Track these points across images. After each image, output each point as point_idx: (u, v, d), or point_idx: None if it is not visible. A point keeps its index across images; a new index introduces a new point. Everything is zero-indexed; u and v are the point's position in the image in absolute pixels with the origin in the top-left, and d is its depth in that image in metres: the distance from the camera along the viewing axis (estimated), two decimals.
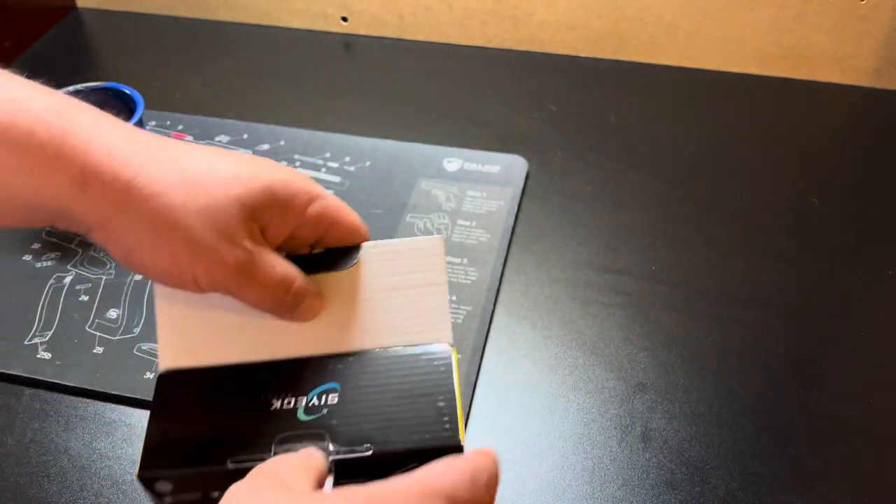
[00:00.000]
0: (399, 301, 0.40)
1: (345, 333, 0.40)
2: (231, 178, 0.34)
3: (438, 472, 0.29)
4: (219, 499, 0.35)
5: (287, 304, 0.37)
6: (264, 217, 0.35)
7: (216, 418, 0.37)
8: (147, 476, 0.35)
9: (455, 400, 0.36)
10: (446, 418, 0.35)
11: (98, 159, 0.32)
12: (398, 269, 0.40)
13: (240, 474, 0.32)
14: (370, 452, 0.35)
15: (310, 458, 0.33)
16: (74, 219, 0.34)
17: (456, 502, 0.28)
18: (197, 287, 0.35)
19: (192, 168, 0.34)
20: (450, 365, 0.38)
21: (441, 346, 0.38)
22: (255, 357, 0.39)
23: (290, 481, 0.30)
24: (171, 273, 0.35)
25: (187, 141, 0.70)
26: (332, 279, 0.40)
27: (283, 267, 0.36)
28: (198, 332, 0.39)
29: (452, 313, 0.53)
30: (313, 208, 0.37)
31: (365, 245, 0.40)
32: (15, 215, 0.34)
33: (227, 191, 0.34)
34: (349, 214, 0.39)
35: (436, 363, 0.38)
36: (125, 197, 0.33)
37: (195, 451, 0.36)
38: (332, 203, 0.38)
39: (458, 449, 0.34)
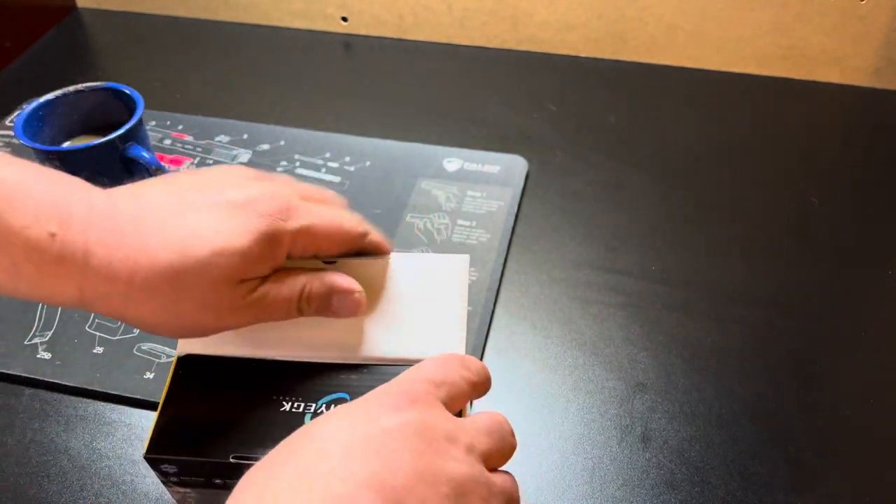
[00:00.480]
0: (418, 313, 0.41)
1: (362, 339, 0.41)
2: (209, 258, 0.35)
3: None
4: (222, 486, 0.36)
5: (311, 311, 0.39)
6: (250, 272, 0.37)
7: (227, 410, 0.38)
8: (153, 458, 0.36)
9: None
10: None
11: (94, 281, 0.35)
12: (421, 282, 0.41)
13: (240, 469, 0.32)
14: None
15: None
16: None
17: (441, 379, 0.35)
18: (225, 330, 0.38)
19: (172, 257, 0.35)
20: None
21: None
22: (272, 353, 0.40)
23: None
24: (195, 334, 0.38)
25: (188, 141, 0.70)
26: (360, 277, 0.41)
27: (290, 286, 0.38)
28: None
29: None
30: (301, 243, 0.38)
31: (392, 255, 0.42)
32: (47, 302, 0.37)
33: (208, 275, 0.35)
34: (345, 228, 0.40)
35: None
36: (125, 304, 0.35)
37: (201, 440, 0.37)
38: (321, 226, 0.39)
39: None
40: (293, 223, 0.37)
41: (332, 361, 0.40)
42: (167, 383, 0.39)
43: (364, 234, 0.41)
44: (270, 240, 0.36)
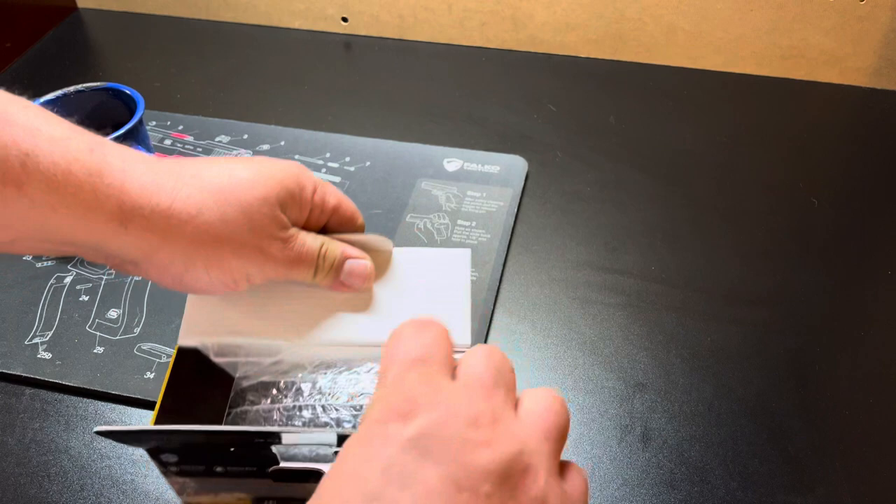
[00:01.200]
0: (423, 303, 0.42)
1: (366, 324, 0.42)
2: (252, 182, 0.37)
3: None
4: (223, 474, 0.36)
5: (325, 273, 0.41)
6: (286, 209, 0.38)
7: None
8: (152, 448, 0.36)
9: None
10: None
11: (135, 195, 0.34)
12: (425, 273, 0.43)
13: (242, 455, 0.33)
14: None
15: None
16: (110, 253, 0.36)
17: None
18: (248, 285, 0.39)
19: (215, 180, 0.36)
20: None
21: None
22: (275, 338, 0.41)
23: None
24: (225, 283, 0.38)
25: (188, 141, 0.70)
26: None
27: (313, 240, 0.40)
28: (220, 312, 0.41)
29: None
30: (318, 195, 0.40)
31: (396, 249, 0.43)
32: (46, 248, 0.35)
33: (254, 193, 0.37)
34: (346, 199, 0.43)
35: None
36: (166, 225, 0.35)
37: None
38: (330, 190, 0.41)
39: None
40: (314, 177, 0.40)
41: (325, 355, 0.41)
42: (168, 375, 0.40)
43: (359, 214, 0.43)
44: (298, 180, 0.39)
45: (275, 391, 0.40)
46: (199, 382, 0.40)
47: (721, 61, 0.80)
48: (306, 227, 0.41)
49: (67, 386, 0.51)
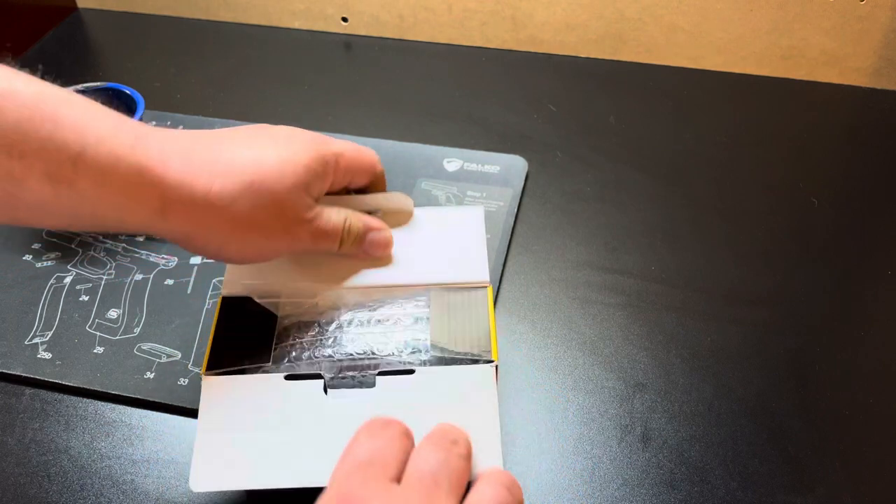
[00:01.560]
0: (442, 249, 0.48)
1: (393, 270, 0.47)
2: (281, 171, 0.40)
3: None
4: None
5: (349, 244, 0.45)
6: (311, 189, 0.42)
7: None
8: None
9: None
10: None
11: (173, 187, 0.38)
12: (442, 227, 0.49)
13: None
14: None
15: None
16: (156, 234, 0.42)
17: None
18: (278, 257, 0.44)
19: (247, 169, 0.40)
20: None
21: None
22: (310, 281, 0.46)
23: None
24: (257, 258, 0.43)
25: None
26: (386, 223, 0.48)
27: (337, 215, 0.44)
28: (259, 265, 0.46)
29: None
30: (340, 167, 0.44)
31: (417, 209, 0.49)
32: (99, 228, 0.39)
33: (283, 183, 0.40)
34: (362, 155, 0.46)
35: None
36: (202, 215, 0.39)
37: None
38: (349, 154, 0.45)
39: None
40: (333, 147, 0.44)
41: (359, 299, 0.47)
42: (214, 321, 0.45)
43: (377, 160, 0.47)
44: (321, 158, 0.42)
45: (317, 328, 0.45)
46: (245, 324, 0.45)
47: (721, 61, 0.80)
48: (330, 191, 0.45)
49: (67, 386, 0.51)
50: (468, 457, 0.36)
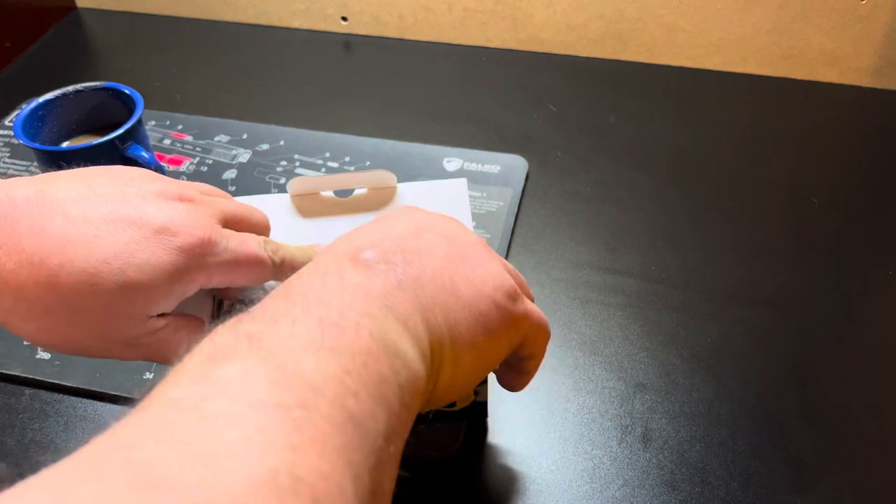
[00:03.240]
0: None
1: None
2: (113, 294, 0.32)
3: None
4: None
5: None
6: (154, 309, 0.34)
7: None
8: None
9: None
10: None
11: None
12: (427, 203, 0.47)
13: None
14: None
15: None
16: None
17: None
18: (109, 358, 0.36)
19: (71, 285, 0.32)
20: None
21: None
22: None
23: None
24: (77, 354, 0.35)
25: (188, 141, 0.70)
26: (371, 207, 0.48)
27: (178, 332, 0.36)
28: None
29: None
30: (214, 276, 0.35)
31: (400, 184, 0.49)
32: None
33: (111, 308, 0.33)
34: (252, 257, 0.36)
35: None
36: (6, 315, 0.32)
37: None
38: (232, 261, 0.35)
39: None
40: (211, 259, 0.34)
41: None
42: None
43: (277, 266, 0.37)
44: (184, 277, 0.33)
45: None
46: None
47: (721, 61, 0.80)
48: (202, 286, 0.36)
49: (67, 386, 0.51)
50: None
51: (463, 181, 0.49)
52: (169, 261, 0.32)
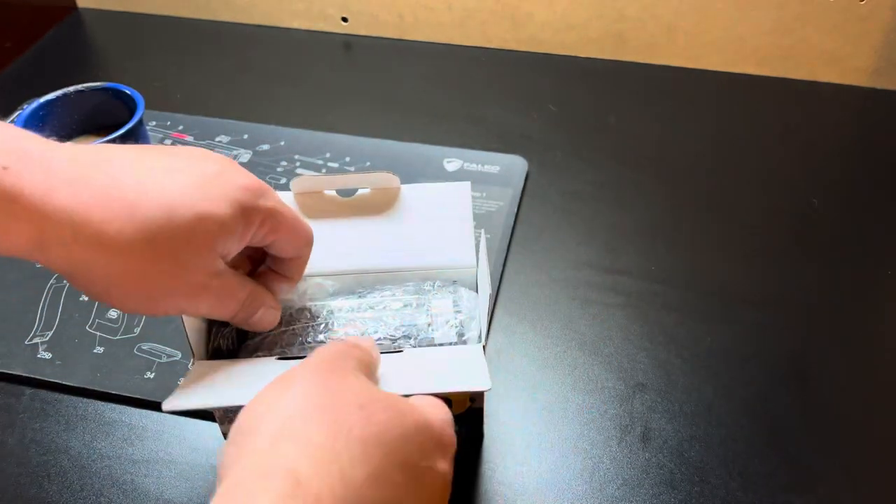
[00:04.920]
0: (430, 230, 0.48)
1: (380, 255, 0.48)
2: (192, 229, 0.34)
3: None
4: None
5: (241, 317, 0.40)
6: (225, 247, 0.36)
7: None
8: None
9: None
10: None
11: (56, 222, 0.31)
12: (430, 205, 0.48)
13: None
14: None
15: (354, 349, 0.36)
16: (38, 262, 0.34)
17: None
18: (173, 312, 0.37)
19: (150, 216, 0.33)
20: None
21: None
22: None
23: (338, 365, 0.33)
24: (144, 312, 0.36)
25: (188, 141, 0.70)
26: (374, 209, 0.48)
27: (241, 287, 0.39)
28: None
29: None
30: (266, 226, 0.38)
31: (403, 186, 0.48)
32: None
33: (192, 245, 0.34)
34: (301, 228, 0.41)
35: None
36: (89, 255, 0.32)
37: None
38: (285, 217, 0.39)
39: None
40: (265, 202, 0.37)
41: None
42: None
43: (311, 239, 0.42)
44: (246, 213, 0.36)
45: (308, 315, 0.44)
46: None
47: (721, 61, 0.80)
48: (247, 249, 0.39)
49: (67, 386, 0.51)
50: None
51: (467, 184, 0.49)
52: (235, 196, 0.35)
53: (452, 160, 0.68)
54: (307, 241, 0.42)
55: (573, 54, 0.82)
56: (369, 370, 0.35)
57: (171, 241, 0.33)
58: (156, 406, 0.50)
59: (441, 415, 0.34)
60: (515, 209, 0.63)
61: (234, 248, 0.37)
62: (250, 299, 0.40)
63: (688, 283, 0.58)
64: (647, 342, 0.54)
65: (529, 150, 0.70)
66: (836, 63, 0.77)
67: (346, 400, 0.30)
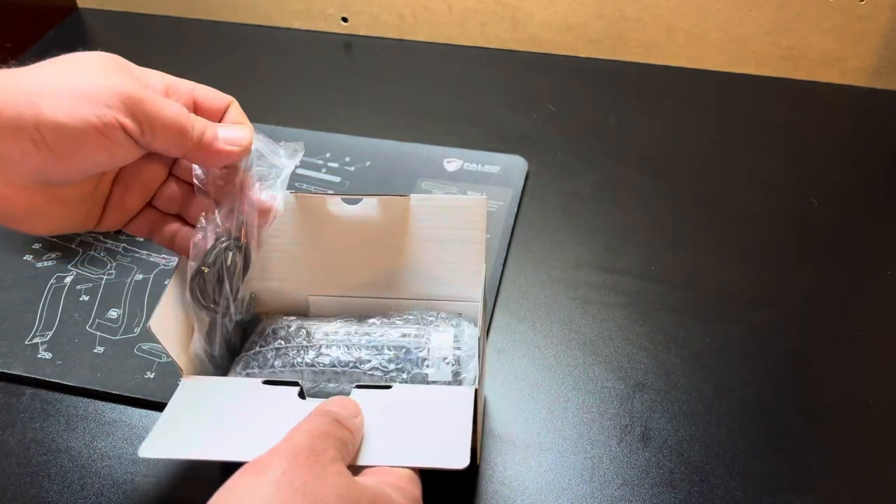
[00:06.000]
0: (440, 254, 0.45)
1: (388, 278, 0.46)
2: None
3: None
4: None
5: (195, 139, 0.41)
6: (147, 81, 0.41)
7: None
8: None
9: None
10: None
11: None
12: (441, 224, 0.45)
13: None
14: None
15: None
16: None
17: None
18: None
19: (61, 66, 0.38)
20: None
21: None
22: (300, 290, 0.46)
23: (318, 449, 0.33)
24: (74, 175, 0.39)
25: None
26: (381, 224, 0.45)
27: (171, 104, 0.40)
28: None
29: None
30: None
31: (413, 196, 0.45)
32: None
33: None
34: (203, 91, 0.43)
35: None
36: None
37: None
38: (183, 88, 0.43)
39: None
40: (146, 104, 0.41)
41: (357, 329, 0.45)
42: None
43: (197, 141, 0.42)
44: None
45: (304, 333, 0.44)
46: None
47: (721, 61, 0.80)
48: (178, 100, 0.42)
49: (67, 386, 0.51)
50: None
51: (483, 200, 0.45)
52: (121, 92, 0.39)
53: (452, 160, 0.68)
54: (182, 135, 0.41)
55: (573, 54, 0.82)
56: (350, 451, 0.35)
57: (74, 59, 0.38)
58: (156, 406, 0.50)
59: (412, 494, 0.35)
60: (515, 209, 0.63)
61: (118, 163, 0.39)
62: (194, 118, 0.41)
63: (688, 283, 0.58)
64: (647, 342, 0.54)
65: (529, 150, 0.70)
66: (836, 63, 0.77)
67: (323, 502, 0.30)
